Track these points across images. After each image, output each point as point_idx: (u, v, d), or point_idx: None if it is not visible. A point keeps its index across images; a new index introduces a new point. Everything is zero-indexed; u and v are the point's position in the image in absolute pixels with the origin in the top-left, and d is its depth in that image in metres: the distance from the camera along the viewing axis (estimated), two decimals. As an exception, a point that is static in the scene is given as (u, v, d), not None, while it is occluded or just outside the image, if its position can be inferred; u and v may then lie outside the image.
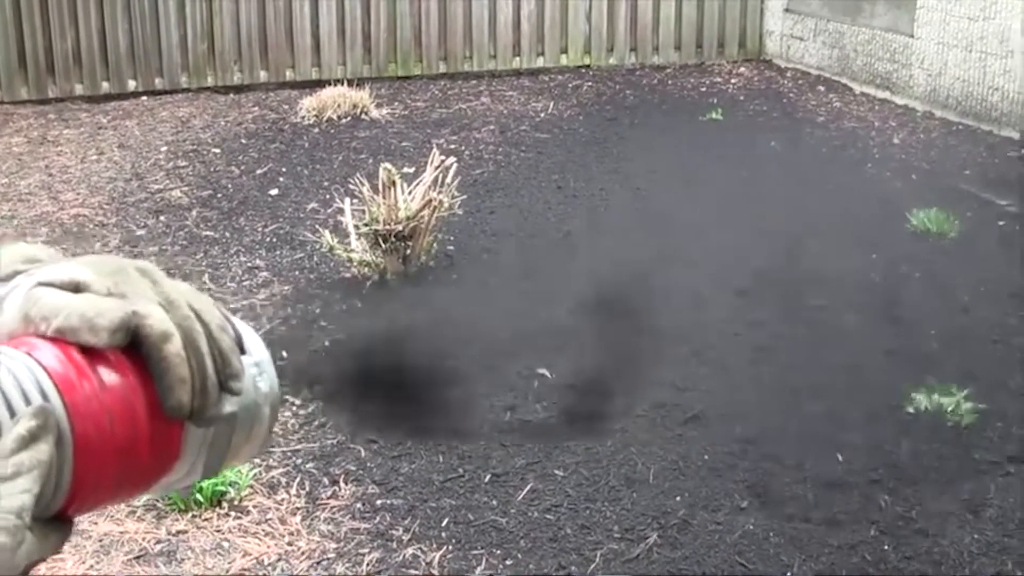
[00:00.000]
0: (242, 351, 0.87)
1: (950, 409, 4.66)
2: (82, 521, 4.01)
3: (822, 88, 10.27)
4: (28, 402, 0.75)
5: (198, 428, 0.83)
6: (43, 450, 0.73)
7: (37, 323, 0.80)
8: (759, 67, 11.21)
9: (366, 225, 5.87)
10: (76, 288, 0.81)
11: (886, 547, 3.88)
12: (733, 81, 10.73)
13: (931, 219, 6.66)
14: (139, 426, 0.80)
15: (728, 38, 11.45)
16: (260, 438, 0.91)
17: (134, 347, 0.80)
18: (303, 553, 3.90)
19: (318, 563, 3.86)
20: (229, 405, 0.84)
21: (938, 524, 4.00)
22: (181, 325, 0.82)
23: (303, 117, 9.21)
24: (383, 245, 5.83)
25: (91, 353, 0.79)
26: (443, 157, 6.09)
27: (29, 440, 0.73)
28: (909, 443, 4.50)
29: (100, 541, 3.96)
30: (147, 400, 0.80)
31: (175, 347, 0.80)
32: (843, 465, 4.35)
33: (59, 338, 0.79)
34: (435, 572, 3.80)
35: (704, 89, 10.42)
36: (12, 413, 0.74)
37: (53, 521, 0.76)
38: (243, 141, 8.71)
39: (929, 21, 9.27)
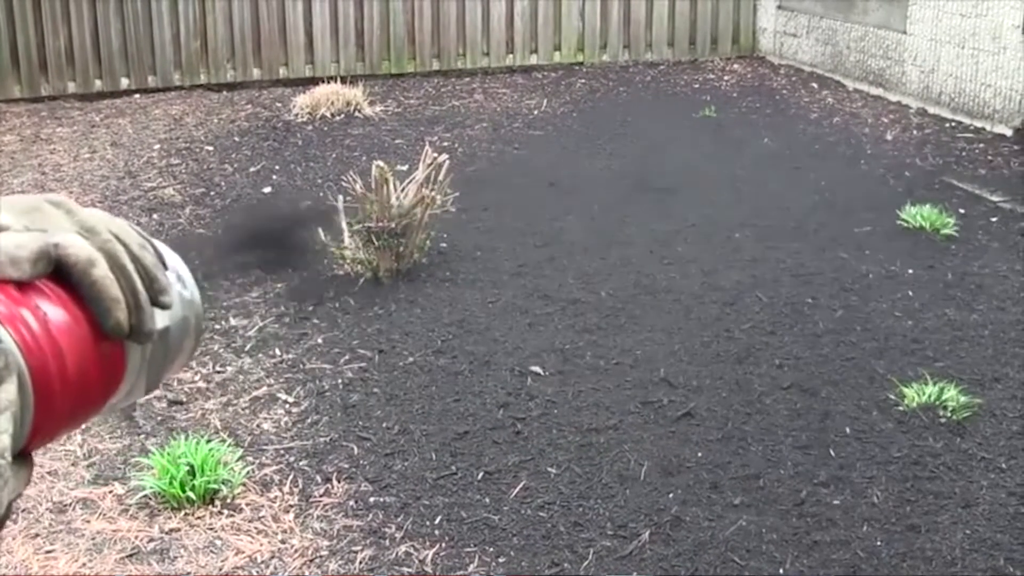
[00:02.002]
0: (163, 267, 0.89)
1: (943, 404, 4.67)
2: (75, 520, 4.02)
3: (815, 85, 10.28)
4: None
5: (137, 346, 0.86)
6: (10, 390, 0.75)
7: None
8: (752, 64, 11.22)
9: (359, 222, 5.86)
10: None
11: (879, 543, 3.88)
12: (726, 78, 10.74)
13: (924, 215, 6.66)
14: (87, 353, 0.81)
15: (721, 35, 11.46)
16: (189, 349, 0.94)
17: (63, 278, 0.82)
18: (296, 551, 3.90)
19: (311, 561, 3.86)
20: (162, 320, 0.87)
21: (931, 519, 4.00)
22: (103, 248, 0.84)
23: (296, 115, 9.21)
24: (376, 242, 5.83)
25: (25, 287, 0.80)
26: (436, 154, 6.08)
27: None
28: (903, 438, 4.50)
29: (93, 540, 3.95)
30: (89, 326, 0.82)
31: (102, 270, 0.82)
32: (836, 460, 4.35)
33: None
34: (428, 570, 3.80)
35: (697, 86, 10.43)
36: None
37: (19, 458, 0.77)
38: (236, 139, 8.71)
39: (922, 18, 9.27)
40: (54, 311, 0.81)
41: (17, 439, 0.76)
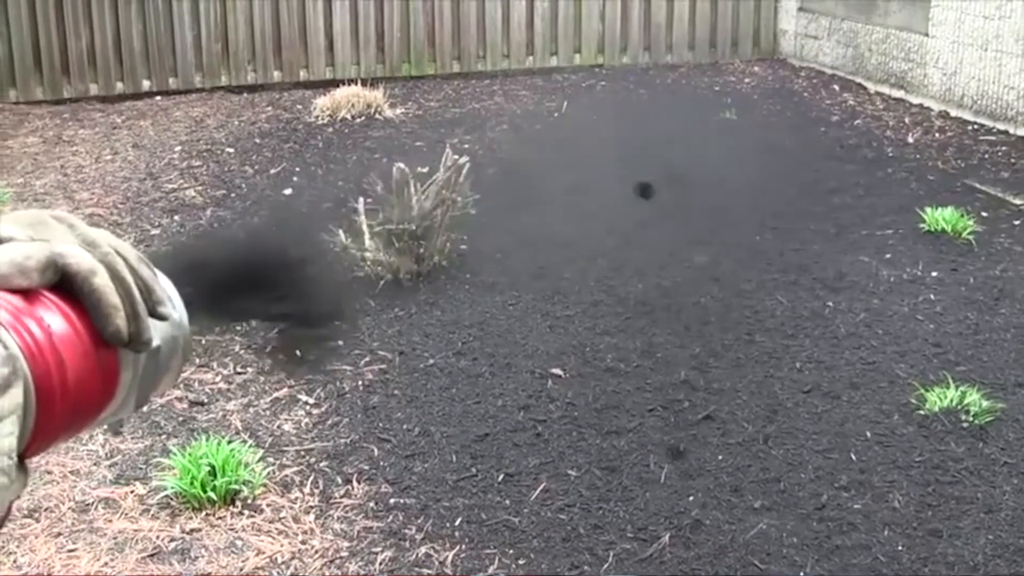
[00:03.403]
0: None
1: (965, 408, 4.65)
2: (97, 519, 4.03)
3: (836, 87, 10.25)
4: None
5: (130, 359, 0.89)
6: (16, 395, 0.77)
7: None
8: (773, 66, 11.20)
9: (379, 224, 5.87)
10: (0, 242, 0.85)
11: (900, 548, 3.87)
12: (747, 80, 10.72)
13: (946, 218, 6.64)
14: (86, 365, 0.84)
15: (742, 37, 11.44)
16: (177, 368, 0.97)
17: (63, 289, 0.85)
18: (316, 552, 3.90)
19: (331, 562, 3.86)
20: (156, 336, 0.90)
21: (952, 524, 3.99)
22: (103, 260, 0.87)
23: (317, 117, 9.22)
24: (396, 244, 5.83)
25: (29, 298, 0.83)
26: (456, 157, 6.09)
27: (3, 387, 0.77)
28: (924, 442, 4.48)
29: (114, 539, 3.97)
30: (88, 338, 0.85)
31: (103, 279, 0.85)
32: (857, 464, 4.34)
33: None
34: (448, 571, 3.80)
35: (718, 88, 10.41)
36: None
37: (19, 462, 0.79)
38: (257, 141, 8.73)
39: (944, 20, 9.24)
40: (57, 322, 0.83)
41: (20, 443, 0.78)
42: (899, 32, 9.79)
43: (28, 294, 0.83)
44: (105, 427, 0.95)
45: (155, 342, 0.90)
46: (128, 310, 0.86)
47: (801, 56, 11.19)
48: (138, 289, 0.88)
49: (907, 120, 9.14)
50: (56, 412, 0.82)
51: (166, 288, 0.94)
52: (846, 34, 10.51)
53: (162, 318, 0.90)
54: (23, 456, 0.80)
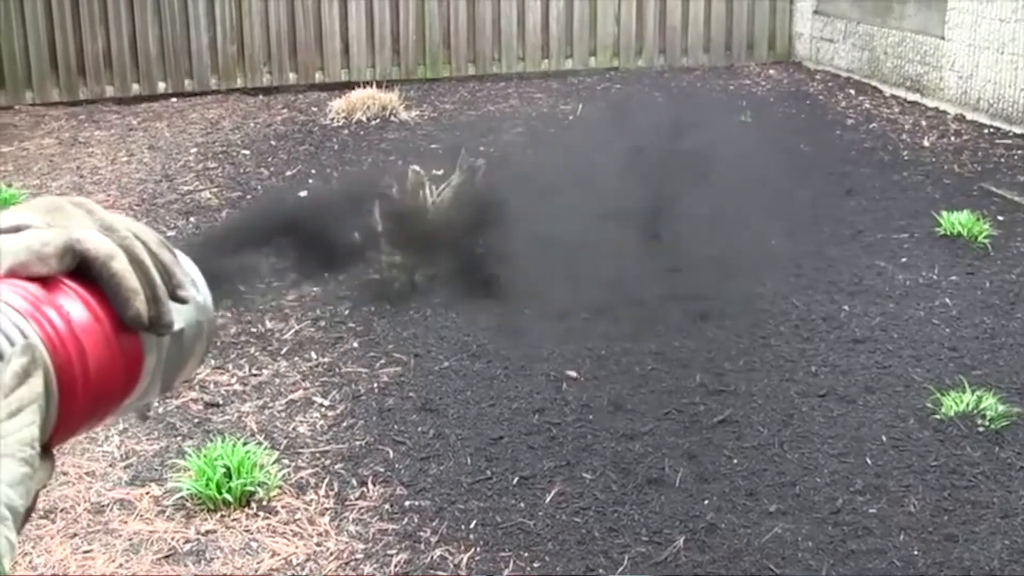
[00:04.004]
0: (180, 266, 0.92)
1: (981, 412, 4.64)
2: (112, 520, 4.04)
3: (852, 90, 10.24)
4: (12, 343, 0.78)
5: (153, 343, 0.88)
6: (37, 383, 0.77)
7: None
8: (788, 69, 11.18)
9: (395, 227, 5.86)
10: (17, 230, 0.85)
11: (915, 552, 3.86)
12: (762, 83, 10.70)
13: (961, 222, 6.63)
14: (107, 351, 0.84)
15: (757, 40, 11.43)
16: (201, 352, 0.96)
17: (82, 274, 0.84)
18: (331, 554, 3.91)
19: (346, 564, 3.86)
20: (177, 322, 0.89)
21: (968, 529, 3.98)
22: (122, 244, 0.86)
23: (332, 119, 9.23)
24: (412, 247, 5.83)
25: (48, 285, 0.83)
26: (472, 159, 6.09)
27: (23, 376, 0.77)
28: (940, 446, 4.48)
29: (130, 540, 3.98)
30: (109, 325, 0.84)
31: (122, 263, 0.85)
32: (872, 469, 4.33)
33: (14, 277, 0.82)
34: (463, 574, 3.80)
35: (733, 91, 10.40)
36: (0, 356, 0.77)
37: (41, 452, 0.79)
38: (272, 143, 8.74)
39: (960, 23, 9.22)
40: (76, 309, 0.83)
41: (42, 433, 0.78)
42: (915, 35, 9.77)
43: (47, 281, 0.83)
44: (132, 413, 0.95)
45: (178, 325, 0.89)
46: (148, 293, 0.86)
47: (816, 59, 11.18)
48: (158, 272, 0.87)
49: (923, 123, 9.12)
50: (79, 400, 0.82)
51: (189, 271, 0.93)
52: (862, 37, 10.50)
53: (183, 301, 0.89)
54: (48, 445, 0.81)
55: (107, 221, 0.88)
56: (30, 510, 0.78)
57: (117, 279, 0.84)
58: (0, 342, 0.78)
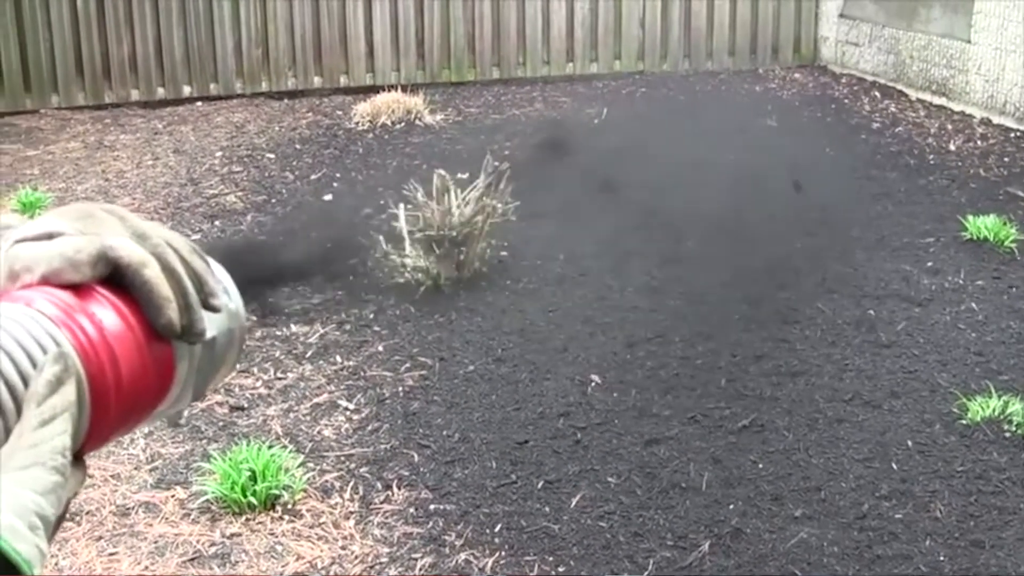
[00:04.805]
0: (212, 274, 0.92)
1: (1007, 418, 4.62)
2: (138, 523, 4.05)
3: (877, 94, 10.20)
4: (44, 351, 0.79)
5: (185, 351, 0.88)
6: (70, 391, 0.77)
7: (22, 276, 0.84)
8: (814, 73, 11.15)
9: (420, 231, 5.88)
10: (50, 237, 0.85)
11: (942, 558, 3.84)
12: (788, 87, 10.67)
13: (988, 226, 6.60)
14: (139, 359, 0.84)
15: (782, 44, 11.40)
16: (233, 360, 0.96)
17: (115, 282, 0.84)
18: (356, 557, 3.91)
19: (371, 567, 3.87)
20: (209, 329, 0.89)
21: (995, 535, 3.96)
22: (154, 252, 0.86)
23: (357, 123, 9.24)
24: (437, 251, 5.84)
25: (80, 293, 0.83)
26: (497, 163, 6.09)
27: (56, 385, 0.77)
28: (966, 452, 4.46)
29: (155, 543, 3.99)
30: (141, 332, 0.84)
31: (154, 271, 0.85)
32: (898, 474, 4.32)
33: (46, 285, 0.83)
34: (488, 578, 3.81)
35: (758, 95, 10.37)
36: (34, 364, 0.78)
37: (74, 460, 0.79)
38: (297, 146, 8.76)
39: (986, 26, 9.18)
40: (109, 317, 0.83)
41: (75, 441, 0.78)
42: (941, 39, 9.73)
43: (79, 289, 0.83)
44: (163, 420, 0.96)
45: (210, 333, 0.89)
46: (180, 302, 0.86)
47: (842, 63, 11.14)
48: (190, 280, 0.87)
49: (949, 127, 9.09)
50: (111, 408, 0.82)
51: (221, 279, 0.93)
52: (887, 41, 10.46)
53: (215, 309, 0.89)
54: (80, 453, 0.81)
55: (139, 228, 0.88)
56: (61, 518, 0.79)
57: (149, 287, 0.84)
58: (33, 350, 0.78)
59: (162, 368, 0.86)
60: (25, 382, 0.78)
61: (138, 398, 0.84)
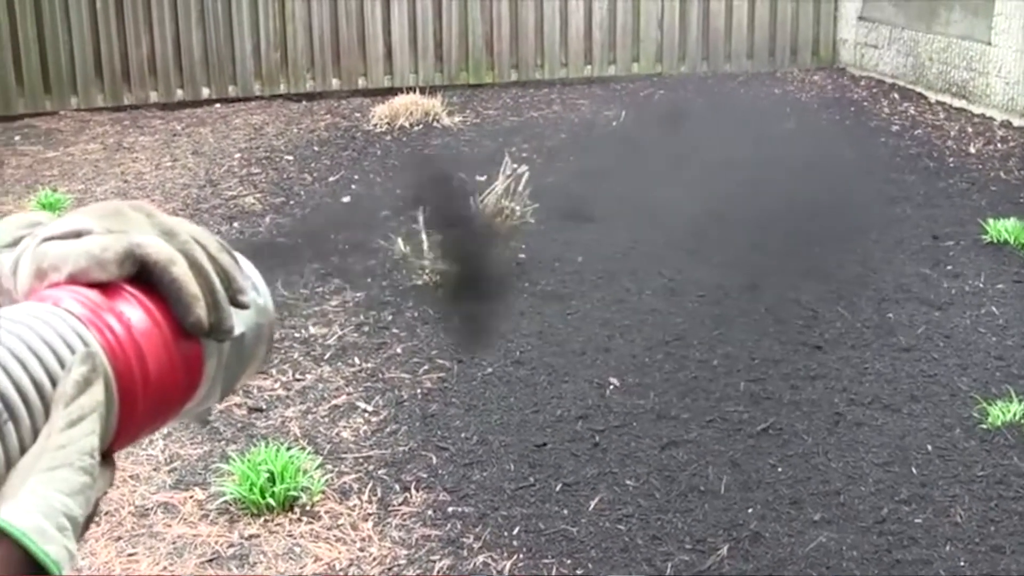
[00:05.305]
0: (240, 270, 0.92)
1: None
2: (156, 524, 4.05)
3: (896, 96, 10.17)
4: (72, 350, 0.79)
5: (214, 348, 0.88)
6: (98, 391, 0.78)
7: (50, 275, 0.84)
8: (832, 75, 11.12)
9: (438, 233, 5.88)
10: (78, 236, 0.85)
11: (962, 563, 3.83)
12: (806, 89, 10.65)
13: (1008, 229, 6.57)
14: (167, 357, 0.84)
15: (801, 46, 11.38)
16: (262, 355, 0.96)
17: (142, 280, 0.84)
18: (374, 559, 3.91)
19: (389, 569, 3.87)
20: (238, 325, 0.89)
21: (1016, 540, 3.95)
22: (182, 249, 0.86)
23: (375, 125, 9.25)
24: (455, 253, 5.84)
25: (107, 292, 0.83)
26: (515, 165, 6.09)
27: (84, 385, 0.77)
28: (986, 456, 4.44)
29: (173, 544, 3.99)
30: (169, 330, 0.84)
31: (182, 268, 0.85)
32: (918, 478, 4.30)
33: (74, 283, 0.83)
34: (506, 581, 3.80)
35: (777, 97, 10.35)
36: (62, 364, 0.78)
37: (102, 459, 0.79)
38: (316, 148, 8.77)
39: (1007, 28, 9.15)
40: (136, 315, 0.83)
41: (103, 441, 0.78)
42: (961, 41, 9.70)
43: (106, 287, 0.83)
44: (191, 418, 0.96)
45: (238, 330, 0.89)
46: (208, 299, 0.86)
47: (861, 65, 11.12)
48: (218, 277, 0.87)
49: (969, 130, 9.05)
50: (138, 407, 0.82)
51: (250, 275, 0.93)
52: (906, 43, 10.43)
53: (243, 306, 0.89)
54: (108, 452, 0.81)
55: (167, 225, 0.88)
56: (90, 518, 0.79)
57: (177, 284, 0.84)
58: (61, 350, 0.78)
59: (190, 366, 0.86)
60: (53, 382, 0.78)
61: (166, 396, 0.84)
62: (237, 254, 0.92)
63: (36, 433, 0.77)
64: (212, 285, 0.86)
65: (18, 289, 0.86)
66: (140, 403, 0.82)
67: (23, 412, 0.76)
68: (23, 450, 0.76)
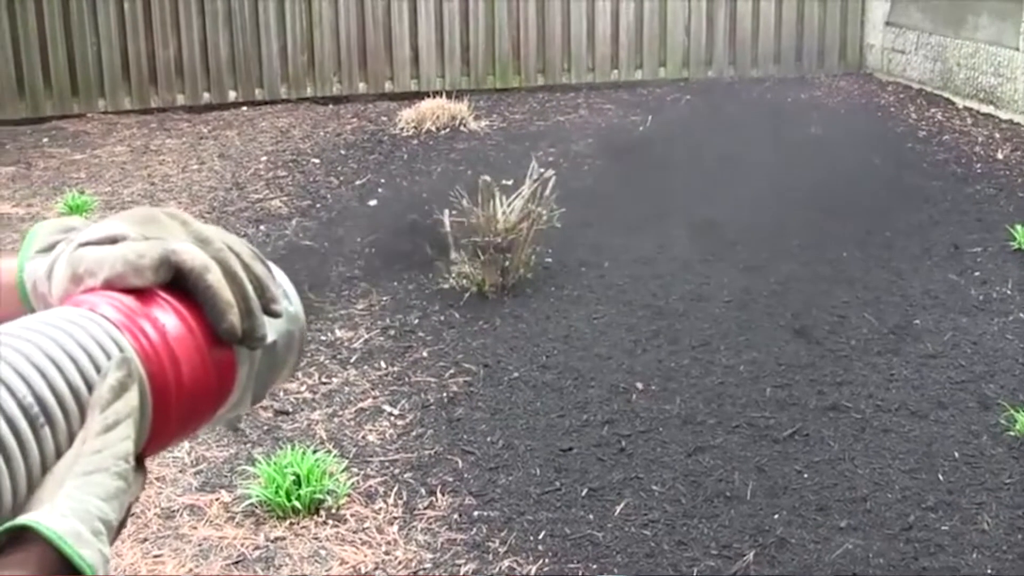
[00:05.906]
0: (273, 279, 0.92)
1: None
2: (182, 526, 4.06)
3: (924, 102, 10.13)
4: (108, 355, 0.79)
5: (246, 355, 0.89)
6: (133, 397, 0.79)
7: (85, 279, 0.85)
8: (859, 81, 11.09)
9: (465, 237, 5.88)
10: (114, 241, 0.86)
11: (989, 571, 3.81)
12: (833, 94, 10.62)
13: (1036, 236, 6.55)
14: (200, 363, 0.84)
15: (828, 51, 11.35)
16: (293, 362, 0.97)
17: (177, 286, 0.85)
18: (399, 563, 3.91)
19: (414, 573, 3.87)
20: (270, 333, 0.89)
21: (1043, 548, 3.93)
22: (216, 257, 0.87)
23: (402, 128, 9.26)
24: (481, 257, 5.84)
25: (142, 297, 0.84)
26: (542, 170, 6.09)
27: (120, 390, 0.78)
28: (1014, 464, 4.42)
29: (200, 546, 4.00)
30: (203, 337, 0.85)
31: (216, 276, 0.86)
32: (945, 485, 4.29)
33: (109, 289, 0.84)
34: (531, 585, 3.80)
35: (804, 103, 10.32)
36: (97, 369, 0.79)
37: (137, 463, 0.80)
38: (342, 152, 8.78)
39: (1035, 35, 9.11)
40: (171, 321, 0.83)
41: (137, 445, 0.79)
42: (988, 46, 9.66)
43: (141, 293, 0.84)
44: (223, 424, 0.96)
45: (270, 337, 0.89)
46: (242, 307, 0.86)
47: (888, 70, 11.08)
48: (252, 285, 0.88)
49: (996, 136, 9.02)
50: (172, 412, 0.82)
51: (282, 283, 0.94)
52: (934, 48, 10.39)
53: (275, 315, 0.90)
54: (141, 456, 0.81)
55: (202, 233, 0.88)
56: (123, 522, 0.79)
57: (212, 292, 0.85)
58: (97, 355, 0.79)
59: (223, 372, 0.86)
60: (89, 386, 0.78)
61: (199, 402, 0.85)
62: (270, 262, 0.93)
63: (72, 437, 0.77)
64: (246, 293, 0.87)
65: (53, 293, 0.87)
66: (173, 409, 0.82)
67: (59, 416, 0.77)
68: (59, 454, 0.77)
